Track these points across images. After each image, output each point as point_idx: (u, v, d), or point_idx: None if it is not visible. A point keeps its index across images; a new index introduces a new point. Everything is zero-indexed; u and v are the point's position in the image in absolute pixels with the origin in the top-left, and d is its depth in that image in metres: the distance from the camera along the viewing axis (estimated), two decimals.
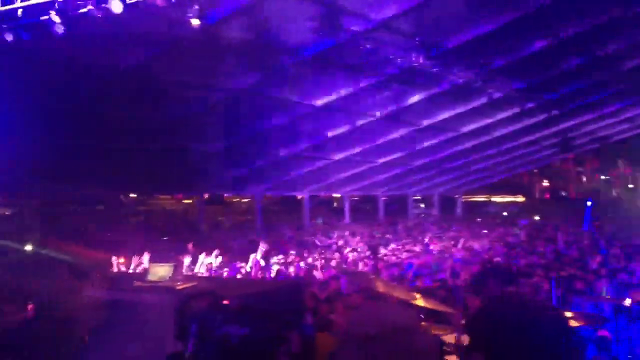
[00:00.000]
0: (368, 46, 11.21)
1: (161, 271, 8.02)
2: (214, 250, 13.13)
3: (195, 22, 8.68)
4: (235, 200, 27.58)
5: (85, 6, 7.37)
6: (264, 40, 10.91)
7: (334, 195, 26.33)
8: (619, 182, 39.17)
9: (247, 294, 7.29)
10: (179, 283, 7.57)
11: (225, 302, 6.44)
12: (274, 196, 25.68)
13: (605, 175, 39.59)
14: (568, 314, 5.31)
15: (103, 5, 7.26)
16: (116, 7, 7.24)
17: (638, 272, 10.92)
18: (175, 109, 12.94)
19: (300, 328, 6.56)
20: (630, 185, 38.57)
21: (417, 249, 17.45)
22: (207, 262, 12.45)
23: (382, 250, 16.08)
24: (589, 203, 8.65)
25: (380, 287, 5.43)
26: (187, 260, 12.06)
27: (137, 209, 21.84)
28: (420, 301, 5.42)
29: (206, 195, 20.56)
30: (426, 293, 8.98)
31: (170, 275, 7.97)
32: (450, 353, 5.34)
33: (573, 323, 5.27)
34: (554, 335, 3.63)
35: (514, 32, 12.79)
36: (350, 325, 1.68)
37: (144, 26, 9.15)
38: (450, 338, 5.46)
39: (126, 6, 7.30)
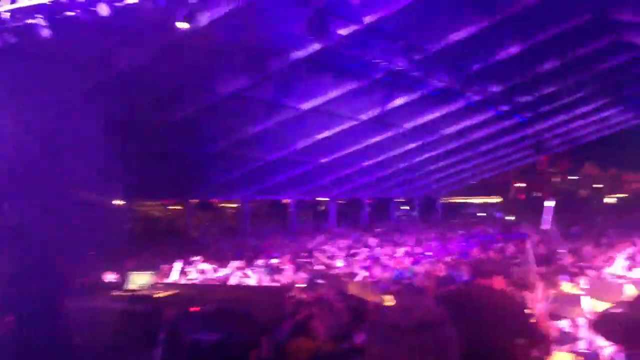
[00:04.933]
0: (354, 50, 11.65)
1: (140, 279, 7.93)
2: (203, 256, 13.26)
3: (183, 25, 8.85)
4: (223, 205, 27.79)
5: (72, 9, 7.40)
6: (253, 44, 11.16)
7: (321, 199, 26.66)
8: (587, 182, 40.40)
9: (223, 300, 7.33)
10: (158, 291, 7.56)
11: (195, 308, 6.49)
12: (262, 200, 25.95)
13: (575, 176, 40.76)
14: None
15: (91, 8, 7.31)
16: (103, 10, 7.29)
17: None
18: (165, 113, 13.09)
19: (271, 333, 6.64)
20: (598, 185, 39.84)
21: (398, 251, 17.77)
22: (197, 269, 12.61)
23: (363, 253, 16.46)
24: (549, 203, 8.96)
25: (354, 290, 5.56)
26: (177, 266, 12.13)
27: (125, 215, 21.89)
28: (388, 303, 5.66)
29: (195, 201, 20.78)
30: (399, 295, 9.37)
31: (150, 283, 7.90)
32: None
33: None
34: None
35: (490, 37, 13.38)
36: (381, 318, 1.75)
37: (134, 29, 9.35)
38: None
39: (115, 9, 7.36)
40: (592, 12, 13.52)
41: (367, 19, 11.24)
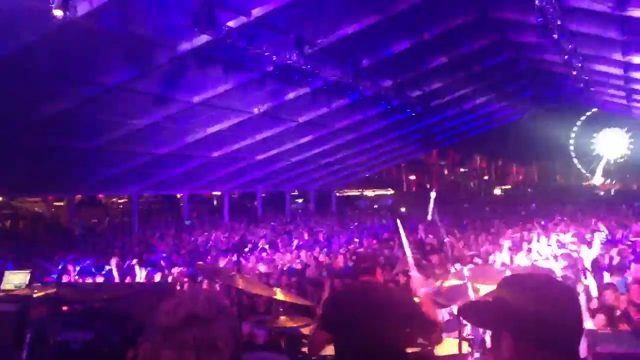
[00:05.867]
0: (244, 42, 11.42)
1: (16, 279, 7.57)
2: (89, 253, 12.77)
3: (58, 13, 8.37)
4: (113, 200, 26.73)
5: None
6: (138, 35, 10.71)
7: (215, 193, 26.25)
8: (475, 175, 42.40)
9: (104, 298, 7.04)
10: (36, 291, 7.23)
11: (65, 307, 6.01)
12: (154, 196, 25.22)
13: (464, 168, 42.65)
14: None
15: None
16: None
17: None
18: (47, 105, 12.35)
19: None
20: (485, 177, 41.95)
21: (292, 244, 17.83)
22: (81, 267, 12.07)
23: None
24: (433, 194, 9.41)
25: (241, 283, 5.35)
26: (59, 264, 11.58)
27: (2, 212, 20.65)
28: (280, 296, 5.49)
29: (79, 197, 19.81)
30: (289, 288, 9.31)
31: (27, 282, 7.56)
32: (306, 345, 5.44)
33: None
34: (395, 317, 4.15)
35: (379, 33, 13.62)
36: (156, 315, 1.65)
37: (9, 15, 8.79)
38: (308, 330, 5.59)
39: None
40: (475, 10, 14.06)
41: (256, 12, 11.09)
